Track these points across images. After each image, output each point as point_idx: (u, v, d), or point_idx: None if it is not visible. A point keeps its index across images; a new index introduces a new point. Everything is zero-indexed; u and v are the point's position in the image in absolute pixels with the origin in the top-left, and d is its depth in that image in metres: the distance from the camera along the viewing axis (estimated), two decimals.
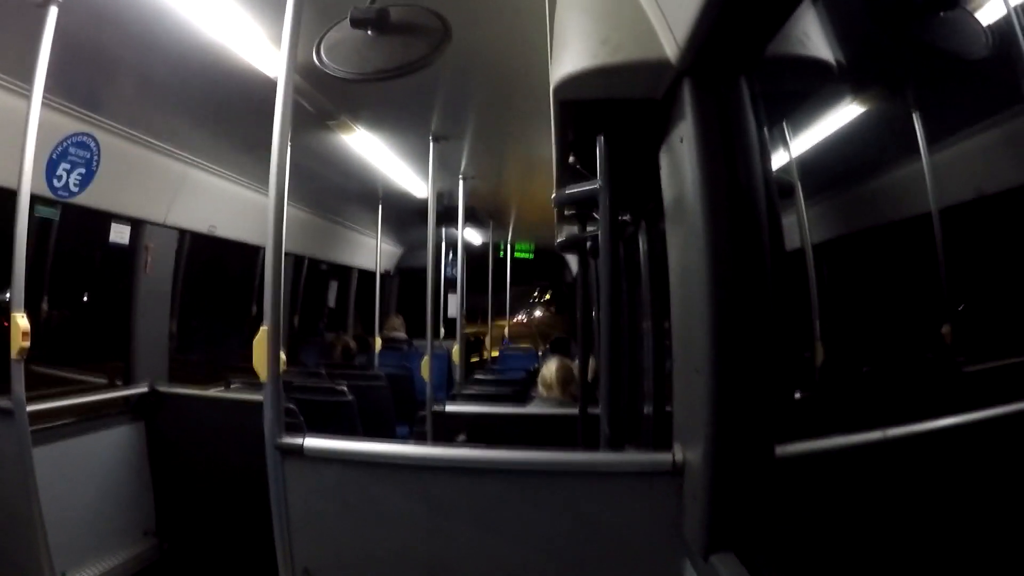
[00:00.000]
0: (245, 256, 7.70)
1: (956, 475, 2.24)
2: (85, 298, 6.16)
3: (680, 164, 1.65)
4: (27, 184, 3.21)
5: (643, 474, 1.93)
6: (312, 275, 9.37)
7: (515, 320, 20.52)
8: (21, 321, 3.19)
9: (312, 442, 2.28)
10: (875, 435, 2.15)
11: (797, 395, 3.69)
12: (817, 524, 2.04)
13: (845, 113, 4.06)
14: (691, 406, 1.69)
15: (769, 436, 1.62)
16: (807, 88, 1.83)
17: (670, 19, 1.51)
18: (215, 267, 7.83)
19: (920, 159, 4.25)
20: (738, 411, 1.55)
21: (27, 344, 3.21)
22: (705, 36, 1.37)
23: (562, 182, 2.72)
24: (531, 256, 12.04)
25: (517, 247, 11.78)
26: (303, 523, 2.31)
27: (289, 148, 2.37)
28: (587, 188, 2.26)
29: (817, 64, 1.66)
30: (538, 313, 20.62)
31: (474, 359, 11.62)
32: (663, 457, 1.86)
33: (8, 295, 3.18)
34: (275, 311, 2.35)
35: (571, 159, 2.40)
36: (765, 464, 1.61)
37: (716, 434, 1.58)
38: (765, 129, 1.65)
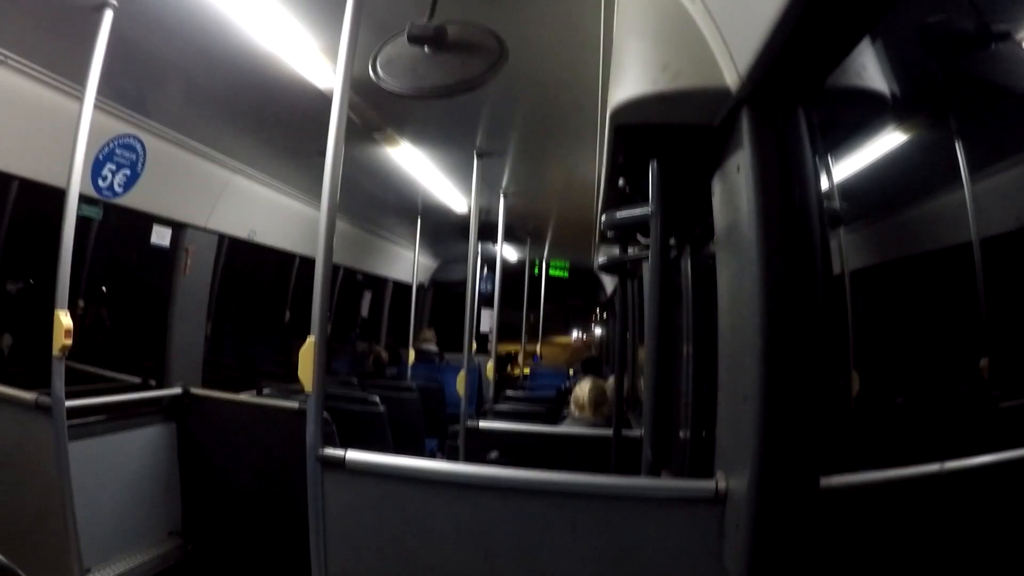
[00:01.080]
0: (279, 263, 7.77)
1: (1009, 514, 2.20)
2: (121, 298, 6.23)
3: (736, 192, 1.64)
4: (76, 184, 3.26)
5: (685, 500, 1.91)
6: (346, 285, 9.43)
7: (577, 338, 19.84)
8: (64, 319, 3.23)
9: (354, 455, 2.29)
10: (927, 469, 2.13)
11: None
12: (860, 558, 2.02)
13: (887, 140, 4.03)
14: (736, 433, 1.68)
15: (815, 466, 1.61)
16: (861, 119, 1.82)
17: (732, 48, 1.51)
18: (249, 273, 7.89)
19: (962, 188, 4.21)
20: (786, 440, 1.54)
21: (69, 342, 3.24)
22: (768, 66, 1.37)
23: (608, 204, 2.71)
24: (565, 275, 12.04)
25: (552, 264, 11.79)
26: (340, 535, 2.31)
27: (342, 162, 2.38)
28: (639, 212, 2.25)
29: (873, 96, 1.66)
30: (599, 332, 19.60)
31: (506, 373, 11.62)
32: (706, 484, 1.84)
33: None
34: (323, 322, 2.36)
35: (621, 182, 2.40)
36: (810, 495, 1.60)
37: (762, 462, 1.56)
38: (818, 159, 1.65)
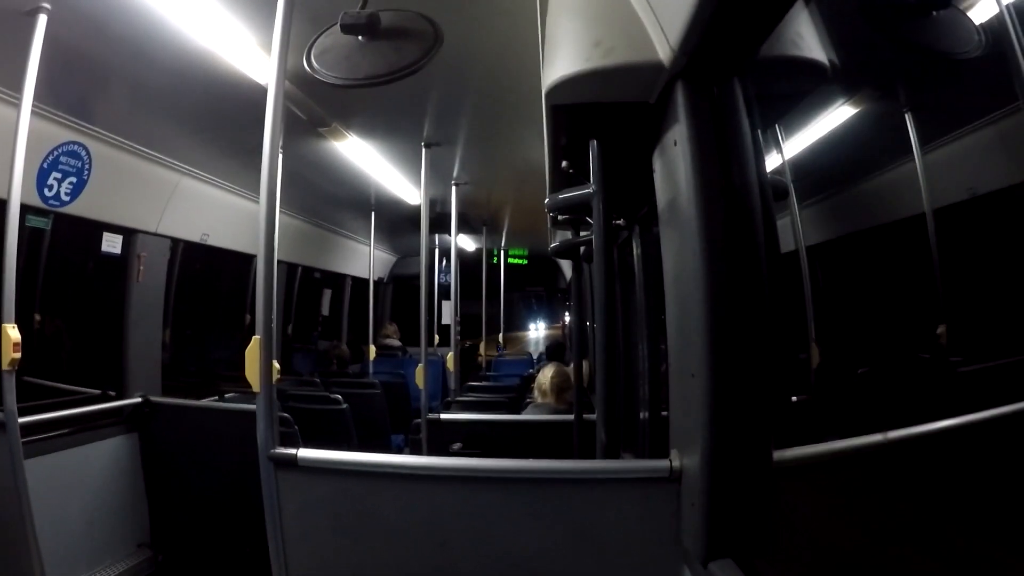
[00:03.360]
0: (239, 265, 7.69)
1: (956, 478, 2.22)
2: (79, 309, 6.12)
3: (674, 167, 1.63)
4: (17, 193, 3.20)
5: (640, 481, 1.91)
6: (305, 283, 9.36)
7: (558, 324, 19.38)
8: (12, 333, 3.17)
9: (306, 453, 2.26)
10: (874, 439, 2.14)
11: (793, 398, 3.67)
12: (816, 530, 2.03)
13: (837, 114, 4.05)
14: (687, 411, 1.68)
15: (767, 441, 1.61)
16: (801, 89, 1.82)
17: (663, 22, 1.49)
18: (208, 276, 7.81)
19: (913, 159, 4.24)
20: (735, 416, 1.54)
21: (18, 355, 3.19)
22: (699, 38, 1.36)
23: (555, 187, 2.70)
24: (524, 262, 12.05)
25: (511, 253, 11.78)
26: (298, 535, 2.28)
27: (280, 156, 2.34)
28: (580, 193, 2.24)
29: (810, 65, 1.65)
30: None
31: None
32: (660, 464, 1.84)
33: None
34: (267, 320, 2.33)
35: (564, 164, 2.38)
36: (763, 469, 1.59)
37: (713, 439, 1.56)
38: (759, 131, 1.64)
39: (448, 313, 10.32)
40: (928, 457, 2.23)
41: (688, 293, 1.58)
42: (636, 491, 1.92)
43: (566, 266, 12.21)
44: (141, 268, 5.06)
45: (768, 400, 1.56)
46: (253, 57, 3.32)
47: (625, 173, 2.12)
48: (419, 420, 4.35)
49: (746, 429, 1.55)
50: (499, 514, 2.09)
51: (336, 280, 10.36)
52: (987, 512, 2.19)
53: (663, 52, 1.54)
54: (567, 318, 18.17)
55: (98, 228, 4.82)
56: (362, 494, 2.22)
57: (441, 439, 4.22)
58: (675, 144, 1.61)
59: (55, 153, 4.10)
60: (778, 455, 1.70)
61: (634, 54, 1.60)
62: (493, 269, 11.09)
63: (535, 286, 15.25)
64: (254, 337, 2.32)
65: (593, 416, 3.66)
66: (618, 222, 3.04)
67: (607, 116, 1.86)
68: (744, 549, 1.56)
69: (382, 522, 2.20)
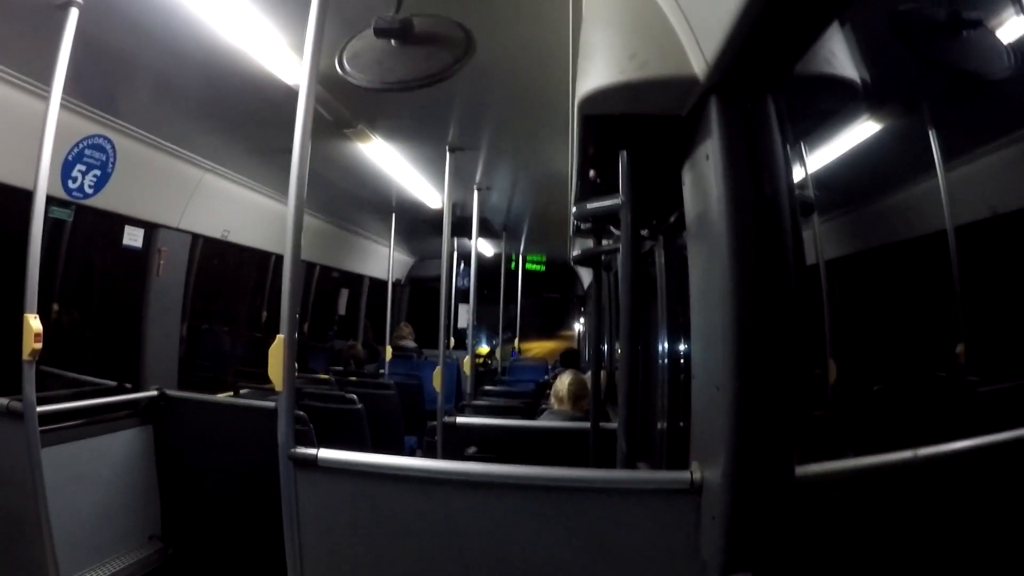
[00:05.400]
0: (257, 262, 7.72)
1: (986, 499, 2.21)
2: (98, 300, 6.15)
3: (705, 181, 1.63)
4: (43, 185, 3.21)
5: (660, 492, 1.91)
6: (323, 282, 9.38)
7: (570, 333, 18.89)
8: (33, 323, 3.17)
9: (326, 453, 2.27)
10: (901, 456, 2.12)
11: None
12: (836, 546, 2.02)
13: (861, 129, 4.03)
14: (710, 423, 1.68)
15: (790, 455, 1.60)
16: (832, 106, 1.82)
17: (699, 36, 1.49)
18: (226, 273, 7.83)
19: (936, 176, 4.22)
20: (759, 429, 1.54)
21: (39, 346, 3.20)
22: (735, 54, 1.36)
23: (581, 195, 2.70)
24: (542, 268, 12.01)
25: (529, 259, 11.75)
26: (314, 534, 2.29)
27: (309, 157, 2.35)
28: (609, 203, 2.24)
29: (843, 83, 1.65)
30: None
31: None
32: (681, 475, 1.84)
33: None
34: (291, 320, 2.34)
35: (592, 173, 2.39)
36: (785, 484, 1.59)
37: (736, 452, 1.56)
38: (788, 146, 1.64)
39: (465, 317, 10.31)
40: (958, 477, 2.22)
41: (715, 306, 1.58)
42: (655, 502, 1.92)
43: (583, 274, 12.18)
44: (161, 262, 5.09)
45: (792, 415, 1.56)
46: (282, 57, 3.34)
47: (652, 184, 2.12)
48: (434, 423, 4.35)
49: (770, 443, 1.55)
50: (516, 521, 2.09)
51: (354, 280, 10.39)
52: (1013, 534, 2.18)
53: (698, 66, 1.54)
54: (579, 327, 18.04)
55: (117, 221, 4.84)
56: (382, 496, 2.23)
57: (456, 443, 4.21)
58: (707, 158, 1.61)
59: (80, 146, 4.13)
60: (800, 470, 1.70)
61: (669, 67, 1.60)
62: (511, 274, 11.05)
63: (552, 292, 15.15)
64: (278, 336, 2.33)
65: (610, 425, 3.65)
66: (642, 232, 3.05)
67: (638, 127, 1.86)
68: (764, 564, 1.55)
69: (400, 525, 2.20)
